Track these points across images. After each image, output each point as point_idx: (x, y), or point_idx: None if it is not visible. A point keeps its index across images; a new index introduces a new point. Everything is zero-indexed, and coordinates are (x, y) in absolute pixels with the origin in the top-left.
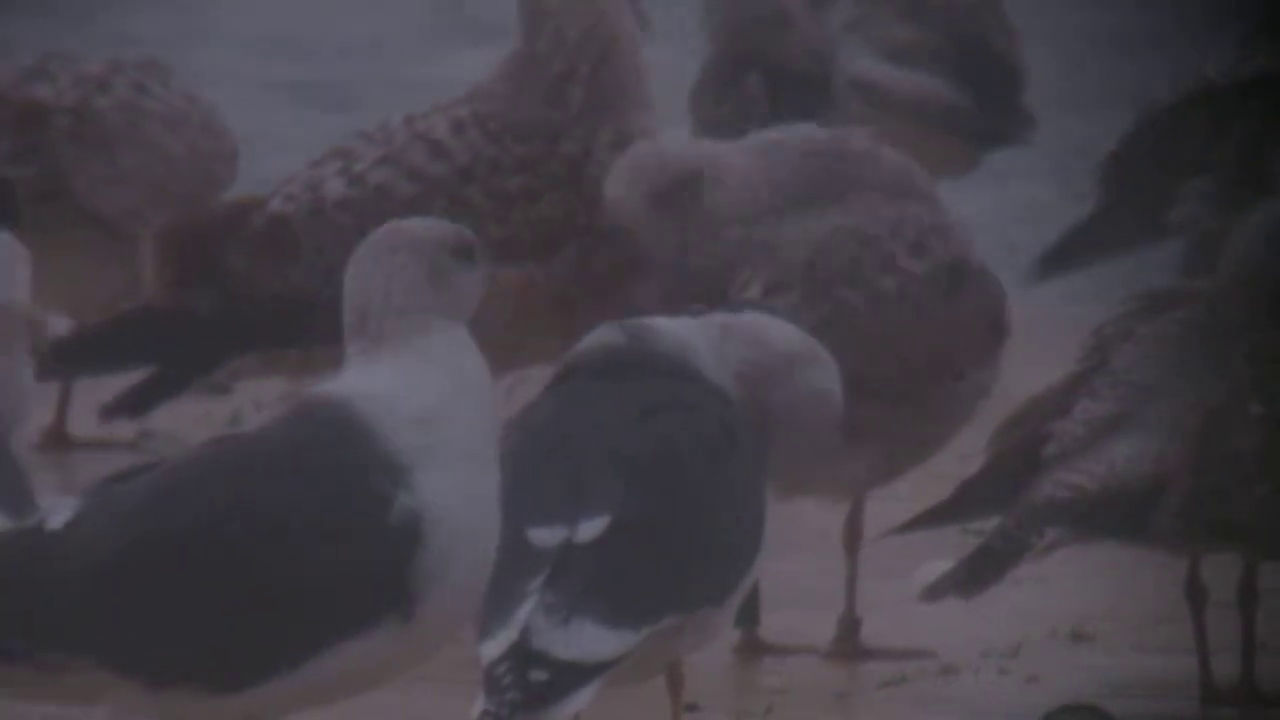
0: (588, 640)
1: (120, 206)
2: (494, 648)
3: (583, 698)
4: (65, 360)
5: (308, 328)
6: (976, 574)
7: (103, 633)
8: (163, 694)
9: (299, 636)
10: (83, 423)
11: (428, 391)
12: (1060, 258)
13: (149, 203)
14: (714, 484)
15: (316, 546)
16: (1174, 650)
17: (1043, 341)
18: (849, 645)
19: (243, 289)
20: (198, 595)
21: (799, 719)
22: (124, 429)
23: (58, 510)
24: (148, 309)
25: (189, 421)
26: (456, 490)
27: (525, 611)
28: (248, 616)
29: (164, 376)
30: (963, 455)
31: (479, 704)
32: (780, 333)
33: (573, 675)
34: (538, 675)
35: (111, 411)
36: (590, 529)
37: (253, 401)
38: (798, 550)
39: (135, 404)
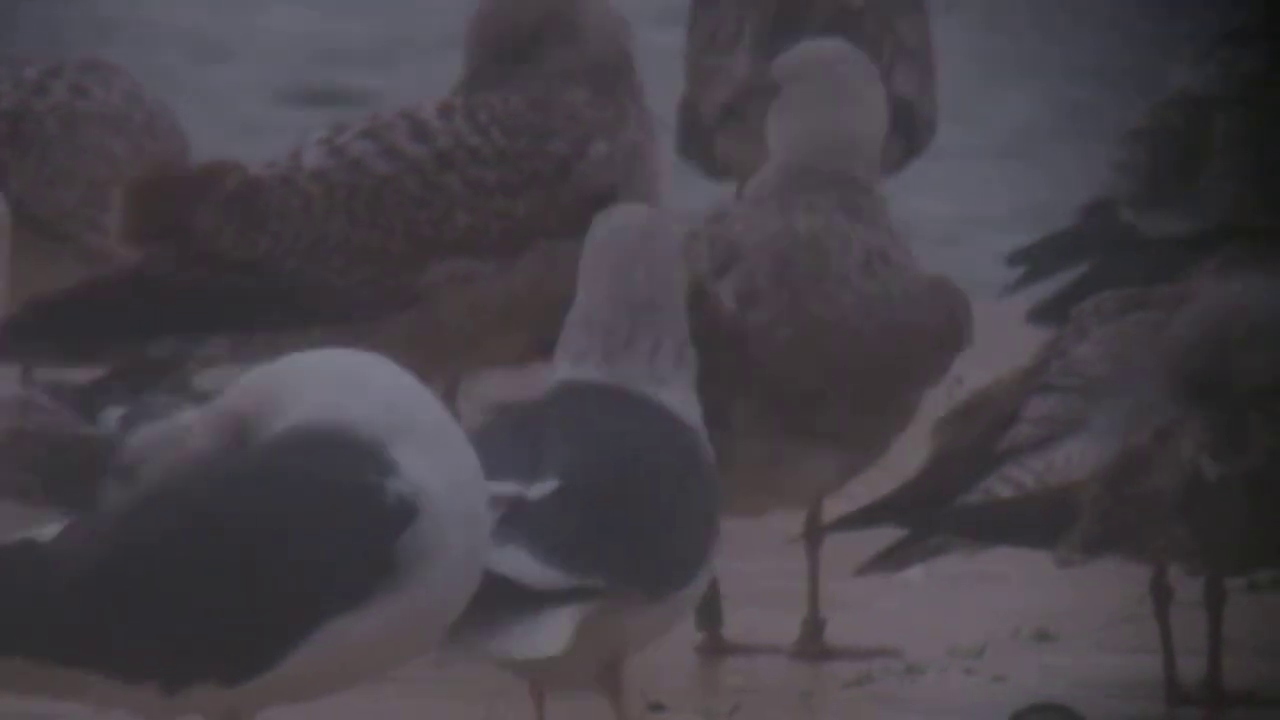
0: (521, 564)
1: (58, 208)
2: None
3: (509, 636)
4: (20, 341)
5: (269, 302)
6: (902, 556)
7: (106, 644)
8: (178, 696)
9: (298, 620)
10: None
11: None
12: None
13: (89, 204)
14: (666, 482)
15: (310, 533)
16: (1139, 650)
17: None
18: (814, 645)
19: (206, 250)
20: (195, 592)
21: (764, 719)
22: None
23: (46, 528)
24: (104, 279)
25: None
26: (443, 472)
27: None
28: (248, 606)
29: (126, 369)
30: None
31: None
32: None
33: (501, 589)
34: None
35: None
36: (540, 489)
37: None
38: (761, 550)
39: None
